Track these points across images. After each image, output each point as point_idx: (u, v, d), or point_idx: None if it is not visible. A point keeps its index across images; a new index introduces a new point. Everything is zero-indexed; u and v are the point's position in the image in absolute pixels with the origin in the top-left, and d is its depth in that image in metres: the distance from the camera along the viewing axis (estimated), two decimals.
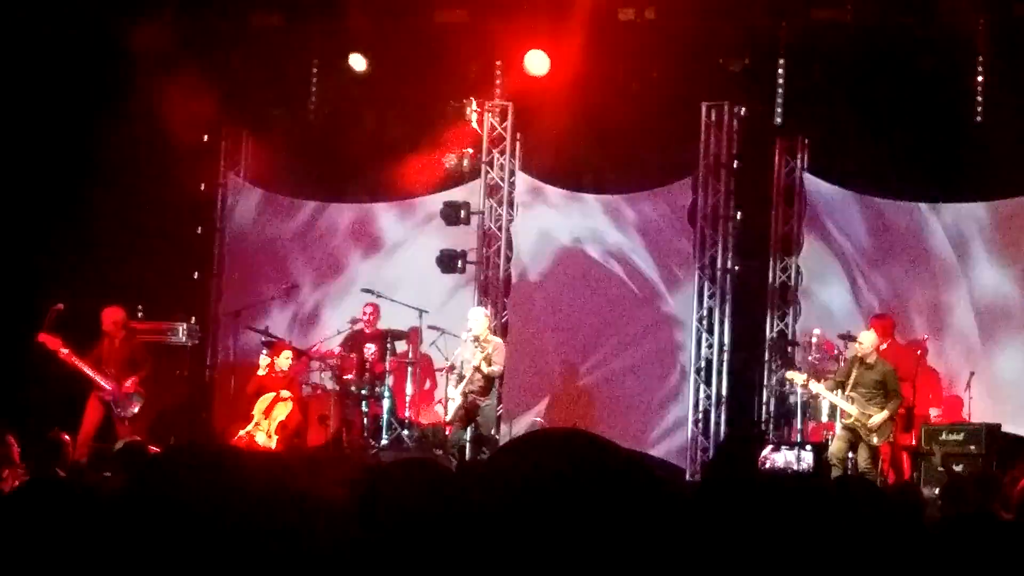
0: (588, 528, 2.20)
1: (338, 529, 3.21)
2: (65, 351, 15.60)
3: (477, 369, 15.20)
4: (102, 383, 15.79)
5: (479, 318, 15.62)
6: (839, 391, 14.72)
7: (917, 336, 16.32)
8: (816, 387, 15.11)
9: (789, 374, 15.60)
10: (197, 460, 2.82)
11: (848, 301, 17.05)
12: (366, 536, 3.31)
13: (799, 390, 15.48)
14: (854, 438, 14.65)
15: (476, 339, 15.36)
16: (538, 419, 17.41)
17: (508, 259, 18.10)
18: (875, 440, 14.59)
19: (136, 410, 15.79)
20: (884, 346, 15.36)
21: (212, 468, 2.74)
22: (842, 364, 15.36)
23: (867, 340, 14.88)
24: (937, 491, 12.91)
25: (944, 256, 16.85)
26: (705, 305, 17.29)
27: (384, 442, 16.48)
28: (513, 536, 2.20)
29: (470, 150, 17.92)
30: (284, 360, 16.44)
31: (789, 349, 17.01)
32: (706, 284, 17.31)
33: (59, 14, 16.93)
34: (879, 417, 14.54)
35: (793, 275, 17.36)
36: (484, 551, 2.23)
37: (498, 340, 15.88)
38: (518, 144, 18.14)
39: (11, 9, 16.77)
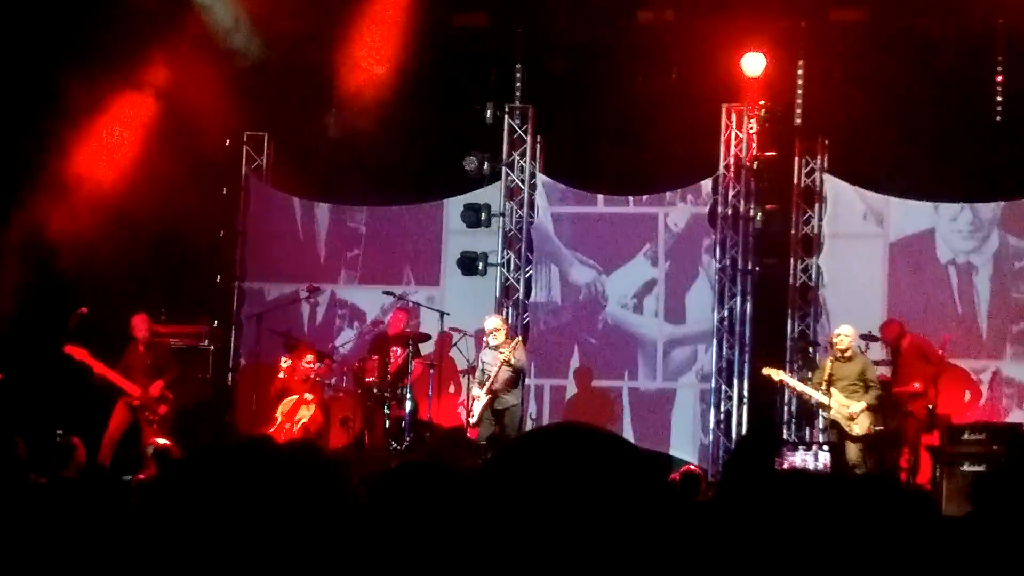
0: (593, 523, 2.22)
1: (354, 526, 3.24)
2: (92, 360, 15.75)
3: (504, 364, 15.31)
4: (129, 388, 15.92)
5: (496, 326, 15.73)
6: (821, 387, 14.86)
7: (937, 335, 16.29)
8: (792, 382, 15.22)
9: (765, 371, 15.60)
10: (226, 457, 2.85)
11: (869, 301, 17.02)
12: (374, 534, 3.34)
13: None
14: (838, 432, 14.80)
15: (495, 347, 15.50)
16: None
17: (528, 261, 18.13)
18: (856, 430, 14.72)
19: (163, 414, 15.93)
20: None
21: (241, 464, 2.77)
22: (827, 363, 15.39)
23: (842, 331, 14.99)
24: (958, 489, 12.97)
25: (963, 255, 16.86)
26: (726, 306, 17.29)
27: (406, 444, 16.52)
28: (521, 534, 2.22)
29: (490, 153, 17.93)
30: (306, 363, 16.50)
31: (810, 350, 16.99)
32: (727, 285, 17.32)
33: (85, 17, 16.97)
34: (858, 406, 14.69)
35: (814, 275, 17.35)
36: (491, 550, 2.25)
37: (517, 338, 15.99)
38: (538, 147, 18.18)
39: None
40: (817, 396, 14.90)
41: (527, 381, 16.44)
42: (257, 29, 17.22)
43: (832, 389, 14.78)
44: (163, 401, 16.02)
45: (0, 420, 13.80)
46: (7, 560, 3.80)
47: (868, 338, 15.79)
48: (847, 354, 14.94)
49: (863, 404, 14.77)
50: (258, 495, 2.59)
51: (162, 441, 13.11)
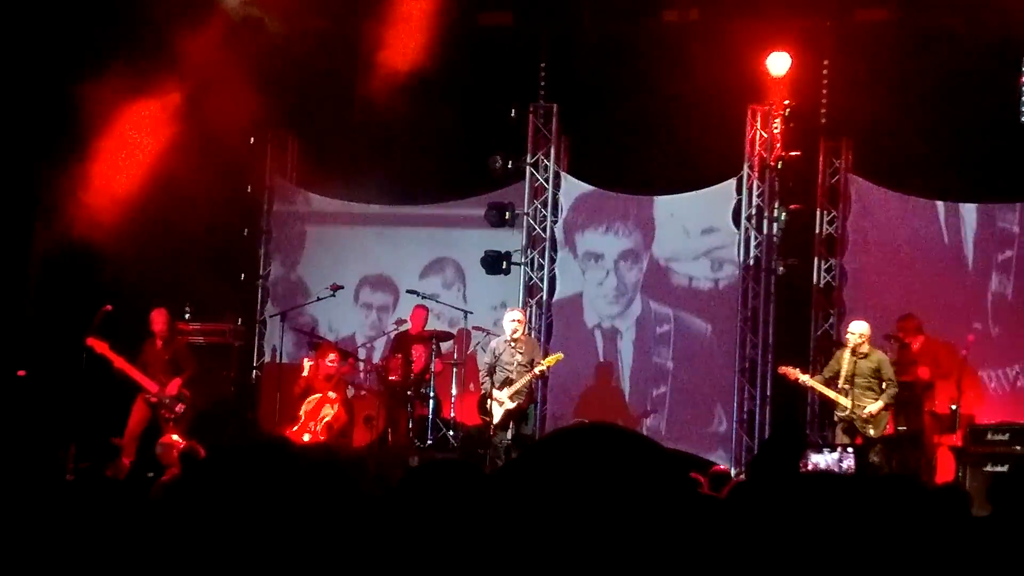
0: (617, 522, 2.23)
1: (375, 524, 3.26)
2: (113, 354, 15.78)
3: (532, 372, 15.27)
4: (147, 384, 15.94)
5: (520, 317, 15.73)
6: (833, 384, 14.76)
7: (961, 335, 16.23)
8: (810, 381, 15.09)
9: (782, 369, 15.47)
10: (248, 456, 2.87)
11: (893, 302, 16.96)
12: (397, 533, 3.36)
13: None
14: (853, 434, 14.68)
15: (513, 341, 15.45)
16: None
17: (552, 260, 18.13)
18: (871, 432, 14.59)
19: (180, 411, 15.94)
20: (909, 344, 15.41)
21: (263, 462, 2.79)
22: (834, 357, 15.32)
23: (857, 329, 14.85)
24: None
25: (988, 256, 16.80)
26: (749, 306, 17.26)
27: (429, 443, 16.54)
28: (544, 532, 2.23)
29: (514, 152, 17.92)
30: (329, 361, 16.52)
31: (834, 350, 16.94)
32: (750, 285, 17.29)
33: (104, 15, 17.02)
34: (874, 407, 14.53)
35: (838, 275, 17.31)
36: (513, 547, 2.26)
37: (532, 339, 15.97)
38: (563, 146, 18.17)
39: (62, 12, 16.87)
40: (832, 395, 14.78)
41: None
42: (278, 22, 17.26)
43: (847, 386, 14.68)
44: (181, 399, 16.01)
45: (27, 419, 13.87)
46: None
47: (891, 338, 15.73)
48: (862, 350, 14.84)
49: (880, 404, 14.63)
50: (276, 495, 2.60)
51: (176, 438, 13.14)
